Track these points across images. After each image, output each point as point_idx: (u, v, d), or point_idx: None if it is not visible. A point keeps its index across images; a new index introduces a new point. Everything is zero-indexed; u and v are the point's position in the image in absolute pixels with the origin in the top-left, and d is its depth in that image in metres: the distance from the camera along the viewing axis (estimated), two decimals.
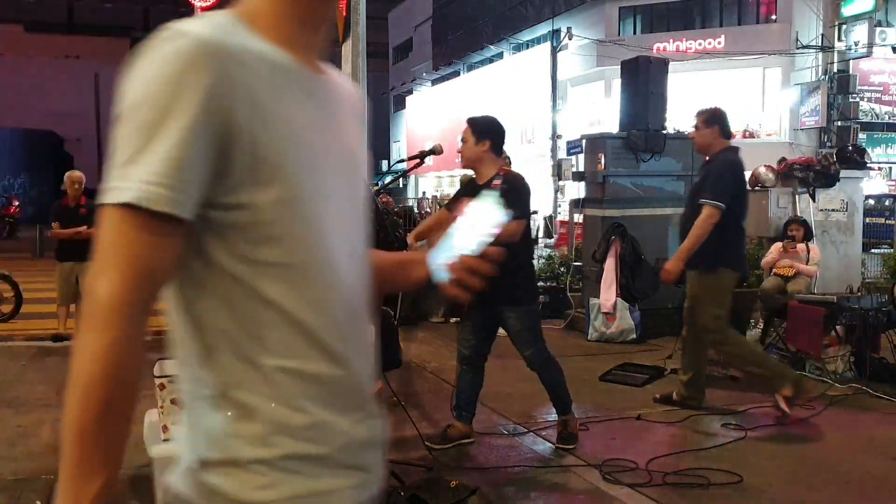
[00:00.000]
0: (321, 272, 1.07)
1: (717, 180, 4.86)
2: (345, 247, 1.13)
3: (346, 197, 1.16)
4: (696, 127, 5.20)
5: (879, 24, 23.51)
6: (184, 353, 1.10)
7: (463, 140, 4.16)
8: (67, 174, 7.60)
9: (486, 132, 4.13)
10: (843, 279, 8.07)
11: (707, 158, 5.19)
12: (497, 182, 4.05)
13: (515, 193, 4.01)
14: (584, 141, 8.39)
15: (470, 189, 4.24)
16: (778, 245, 7.53)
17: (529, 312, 4.14)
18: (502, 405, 4.96)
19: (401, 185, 32.93)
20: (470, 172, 4.67)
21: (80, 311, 0.97)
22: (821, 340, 5.98)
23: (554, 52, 26.01)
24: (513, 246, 3.91)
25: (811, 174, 8.30)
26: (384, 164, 38.67)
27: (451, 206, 4.38)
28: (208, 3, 18.95)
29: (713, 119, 5.14)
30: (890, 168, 25.46)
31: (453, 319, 7.56)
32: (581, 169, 10.15)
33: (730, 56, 23.92)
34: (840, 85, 23.61)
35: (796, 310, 6.25)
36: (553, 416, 5.07)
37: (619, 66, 8.10)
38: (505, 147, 7.65)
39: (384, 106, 43.75)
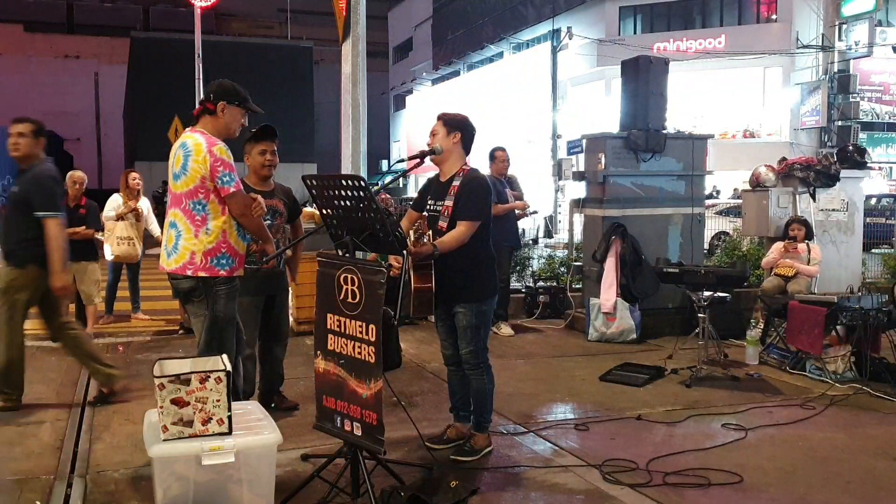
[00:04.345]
0: None
1: None
2: None
3: None
4: None
5: (880, 23, 23.52)
6: None
7: (433, 134, 4.16)
8: (69, 174, 7.59)
9: (457, 126, 4.13)
10: (843, 279, 8.07)
11: None
12: (455, 185, 4.05)
13: (472, 196, 4.01)
14: (584, 140, 8.38)
15: (433, 187, 4.24)
16: (779, 245, 7.53)
17: (479, 311, 4.10)
18: (502, 405, 4.95)
19: (401, 185, 32.96)
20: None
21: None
22: (821, 340, 5.98)
23: (554, 51, 26.02)
24: (466, 246, 3.96)
25: (812, 174, 8.29)
26: (384, 164, 38.72)
27: (416, 205, 4.36)
28: (208, 4, 18.98)
29: None
30: (890, 168, 25.48)
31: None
32: (581, 169, 10.15)
33: (730, 56, 23.93)
34: (840, 85, 23.62)
35: (797, 310, 6.24)
36: (554, 415, 5.08)
37: (620, 66, 8.08)
38: (506, 147, 7.75)
39: (384, 106, 43.74)
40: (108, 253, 8.11)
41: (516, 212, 7.82)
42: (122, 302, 8.69)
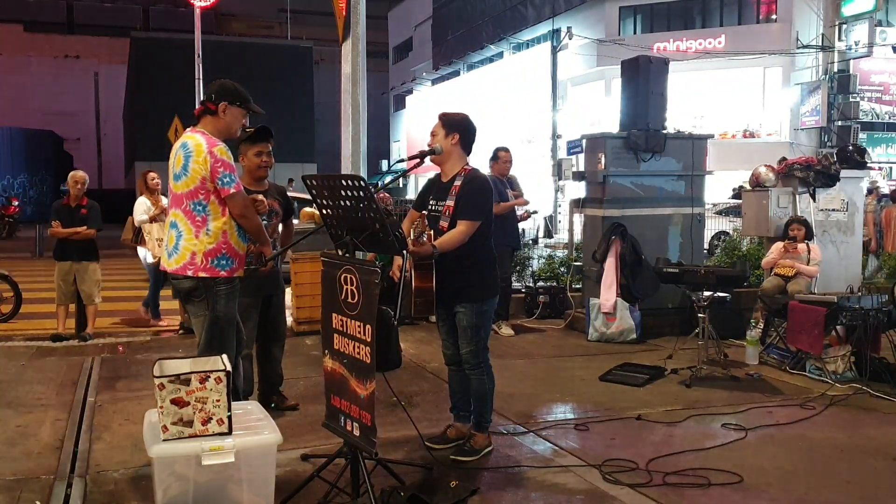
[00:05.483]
0: None
1: None
2: None
3: None
4: None
5: (880, 23, 23.50)
6: None
7: (433, 134, 4.16)
8: (71, 174, 7.59)
9: (456, 126, 4.13)
10: (843, 279, 8.07)
11: None
12: (457, 184, 4.06)
13: (472, 196, 4.02)
14: (584, 141, 8.38)
15: (434, 187, 4.25)
16: (779, 245, 7.52)
17: (479, 311, 4.11)
18: (502, 405, 4.95)
19: (401, 185, 32.96)
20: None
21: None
22: (821, 340, 5.98)
23: (554, 51, 26.01)
24: (466, 246, 3.96)
25: (811, 174, 8.29)
26: (384, 164, 38.71)
27: (418, 204, 4.36)
28: (208, 4, 18.99)
29: None
30: (890, 168, 25.46)
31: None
32: (581, 169, 10.15)
33: (730, 56, 23.91)
34: (840, 85, 23.61)
35: (797, 310, 6.25)
36: (554, 415, 5.08)
37: (620, 66, 8.08)
38: (508, 148, 7.74)
39: (384, 106, 43.73)
40: (150, 256, 7.89)
41: (518, 213, 7.83)
42: (129, 302, 8.71)
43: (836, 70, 23.69)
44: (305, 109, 33.94)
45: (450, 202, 4.04)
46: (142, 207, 7.87)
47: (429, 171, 4.35)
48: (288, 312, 7.71)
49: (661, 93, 7.74)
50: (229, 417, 3.25)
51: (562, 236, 19.50)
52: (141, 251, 8.12)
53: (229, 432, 3.24)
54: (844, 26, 23.35)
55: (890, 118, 24.97)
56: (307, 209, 8.91)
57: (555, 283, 8.97)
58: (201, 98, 4.06)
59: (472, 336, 4.11)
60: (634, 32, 26.62)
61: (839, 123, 23.70)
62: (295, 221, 5.32)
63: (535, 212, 8.70)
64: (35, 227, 18.11)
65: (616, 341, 7.28)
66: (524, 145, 26.16)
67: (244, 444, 3.24)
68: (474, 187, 4.05)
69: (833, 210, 8.39)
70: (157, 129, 17.46)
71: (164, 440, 3.18)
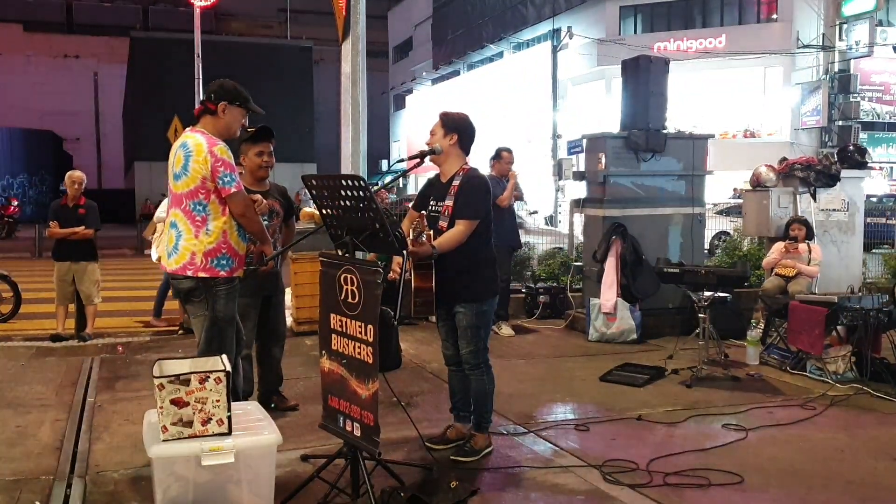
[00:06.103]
0: None
1: None
2: None
3: None
4: None
5: (880, 23, 23.52)
6: None
7: (432, 133, 4.16)
8: (68, 174, 7.57)
9: (455, 126, 4.12)
10: (843, 279, 8.06)
11: None
12: (456, 184, 4.06)
13: (470, 195, 4.01)
14: (584, 140, 8.37)
15: (433, 187, 4.24)
16: (780, 245, 7.51)
17: (479, 311, 4.10)
18: (502, 405, 4.94)
19: (401, 185, 32.95)
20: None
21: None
22: (822, 340, 5.97)
23: (554, 51, 26.01)
24: (466, 246, 3.96)
25: (812, 174, 8.28)
26: (384, 164, 38.72)
27: (417, 205, 4.36)
28: (208, 3, 18.97)
29: None
30: (891, 168, 25.48)
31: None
32: (581, 168, 10.14)
33: (730, 55, 23.92)
34: (841, 84, 23.62)
35: (797, 310, 6.24)
36: (555, 416, 5.07)
37: (620, 66, 8.07)
38: (511, 149, 7.73)
39: (384, 105, 43.72)
40: (154, 254, 7.73)
41: (516, 210, 7.78)
42: (129, 302, 8.69)
43: (836, 70, 23.70)
44: (305, 109, 33.94)
45: (448, 202, 4.04)
46: (165, 207, 7.78)
47: (429, 170, 4.34)
48: (288, 312, 7.71)
49: (661, 92, 7.73)
50: (229, 418, 3.24)
51: None
52: (155, 251, 8.06)
53: (229, 433, 3.24)
54: (845, 26, 23.37)
55: (890, 118, 24.99)
56: (307, 209, 8.90)
57: (555, 284, 8.96)
58: (201, 98, 4.07)
59: (471, 336, 4.10)
60: (635, 32, 26.64)
61: (840, 123, 23.72)
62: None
63: (535, 211, 8.70)
64: (34, 227, 18.10)
65: (616, 341, 7.27)
66: (524, 145, 26.15)
67: (244, 445, 3.24)
68: (472, 187, 4.04)
69: (834, 210, 8.39)
70: (157, 128, 17.47)
71: (163, 440, 3.18)
